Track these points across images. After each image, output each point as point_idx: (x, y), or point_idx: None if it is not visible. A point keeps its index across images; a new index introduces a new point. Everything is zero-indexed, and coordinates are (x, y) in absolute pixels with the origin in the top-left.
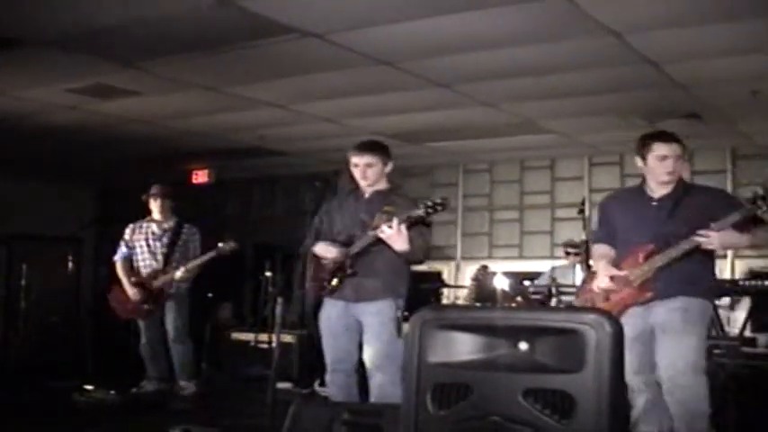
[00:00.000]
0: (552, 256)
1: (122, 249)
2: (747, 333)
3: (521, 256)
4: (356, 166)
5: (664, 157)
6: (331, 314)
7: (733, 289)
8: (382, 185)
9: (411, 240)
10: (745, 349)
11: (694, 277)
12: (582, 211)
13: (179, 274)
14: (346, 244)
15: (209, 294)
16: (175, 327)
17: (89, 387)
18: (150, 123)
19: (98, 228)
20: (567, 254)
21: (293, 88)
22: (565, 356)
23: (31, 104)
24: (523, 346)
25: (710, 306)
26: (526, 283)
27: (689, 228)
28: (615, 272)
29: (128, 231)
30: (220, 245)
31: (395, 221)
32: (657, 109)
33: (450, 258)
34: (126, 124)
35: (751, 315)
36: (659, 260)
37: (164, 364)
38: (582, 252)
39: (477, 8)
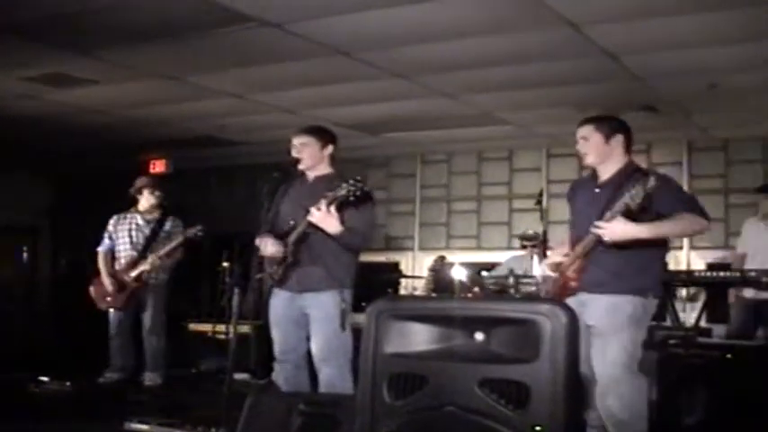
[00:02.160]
0: (510, 247)
1: (105, 241)
2: (703, 324)
3: (478, 247)
4: (294, 147)
5: (577, 141)
6: (277, 305)
7: (689, 280)
8: (324, 170)
9: (343, 222)
10: (701, 340)
11: (628, 270)
12: (539, 203)
13: (150, 261)
14: (289, 231)
15: None
16: (152, 319)
17: (45, 378)
18: (108, 113)
19: (54, 217)
20: (524, 246)
21: (252, 78)
22: (520, 347)
23: None
24: (479, 336)
25: (645, 302)
26: (483, 273)
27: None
28: (554, 258)
29: (111, 222)
30: (188, 230)
31: (322, 203)
32: (615, 101)
33: (407, 249)
34: (83, 113)
35: (706, 306)
36: (578, 250)
37: (130, 355)
38: (539, 243)
39: None
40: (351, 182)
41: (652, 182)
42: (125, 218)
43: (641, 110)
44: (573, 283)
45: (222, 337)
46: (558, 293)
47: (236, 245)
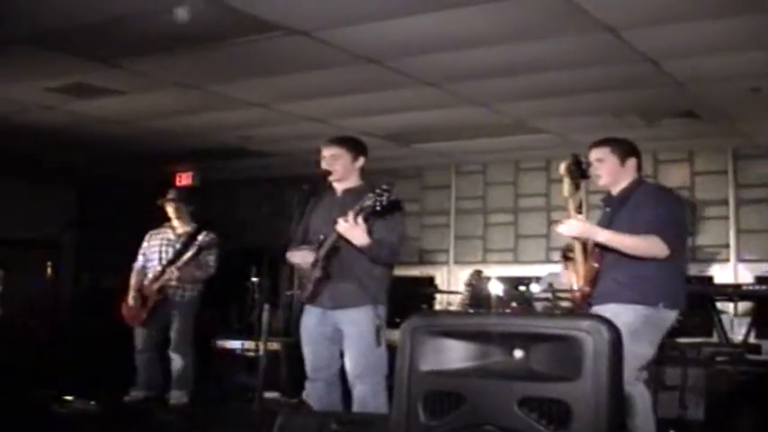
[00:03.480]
0: (548, 261)
1: (139, 257)
2: (752, 340)
3: (516, 261)
4: (324, 158)
5: (589, 162)
6: (309, 321)
7: (737, 294)
8: (354, 182)
9: (371, 234)
10: (750, 356)
11: (630, 279)
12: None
13: (170, 274)
14: (319, 246)
15: None
16: (178, 336)
17: (69, 397)
18: (132, 124)
19: (78, 231)
20: (567, 259)
21: (279, 87)
22: (561, 364)
23: (9, 103)
24: (518, 353)
25: (650, 312)
26: (521, 288)
27: (626, 230)
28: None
29: (146, 239)
30: (199, 238)
31: (349, 213)
32: (654, 108)
33: (442, 263)
34: (107, 124)
35: (755, 321)
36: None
37: (156, 373)
38: None
39: (468, 4)
40: (377, 191)
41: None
42: (158, 233)
43: (682, 116)
44: (578, 294)
45: (252, 354)
46: (579, 306)
47: (264, 259)
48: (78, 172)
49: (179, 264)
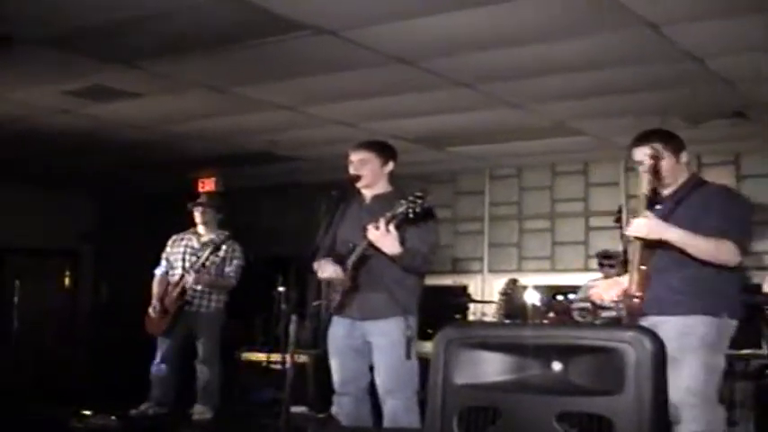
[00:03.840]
0: (587, 269)
1: (161, 263)
2: None
3: (552, 269)
4: (352, 163)
5: (639, 163)
6: (337, 333)
7: None
8: (384, 188)
9: (402, 242)
10: None
11: (695, 289)
12: (619, 220)
13: (188, 280)
14: (347, 255)
15: None
16: (204, 348)
17: (87, 412)
18: (151, 128)
19: (97, 241)
20: (602, 265)
21: (306, 89)
22: (602, 377)
23: (25, 107)
24: (557, 366)
25: (719, 323)
26: (559, 298)
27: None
28: (611, 287)
29: (169, 244)
30: (223, 248)
31: (381, 221)
32: (699, 108)
33: (476, 271)
34: (126, 129)
35: None
36: (634, 262)
37: (168, 388)
38: (618, 264)
39: (503, 1)
40: (410, 198)
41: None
42: (181, 239)
43: (729, 117)
44: (635, 301)
45: (278, 367)
46: (628, 315)
47: (291, 269)
48: (96, 178)
49: (196, 267)
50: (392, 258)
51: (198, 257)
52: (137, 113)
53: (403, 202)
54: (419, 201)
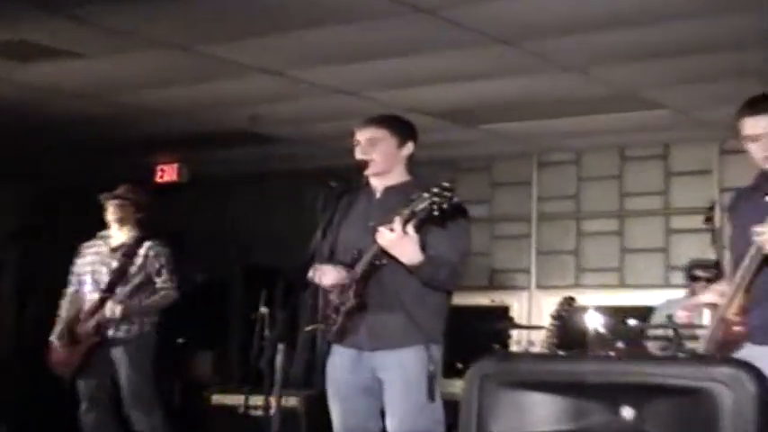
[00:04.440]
0: (667, 284)
1: (70, 281)
2: None
3: (621, 284)
4: (359, 145)
5: (756, 138)
6: (339, 368)
7: None
8: (399, 177)
9: (424, 248)
10: None
11: None
12: (710, 219)
13: (109, 307)
14: (352, 264)
15: (180, 340)
16: (132, 387)
17: None
18: (96, 98)
19: (23, 246)
20: (694, 279)
21: (296, 47)
22: (688, 426)
23: None
24: (628, 412)
25: None
26: (630, 322)
27: None
28: (706, 299)
29: (77, 253)
30: (140, 252)
31: (396, 221)
32: None
33: (520, 287)
34: (61, 99)
35: None
36: (737, 280)
37: None
38: (713, 277)
39: None
40: (434, 190)
41: None
42: (90, 246)
43: None
44: (737, 328)
45: (259, 413)
46: (721, 346)
47: (278, 283)
48: (24, 165)
49: (121, 296)
50: (411, 269)
51: (110, 268)
52: (76, 79)
53: (425, 195)
54: (446, 194)
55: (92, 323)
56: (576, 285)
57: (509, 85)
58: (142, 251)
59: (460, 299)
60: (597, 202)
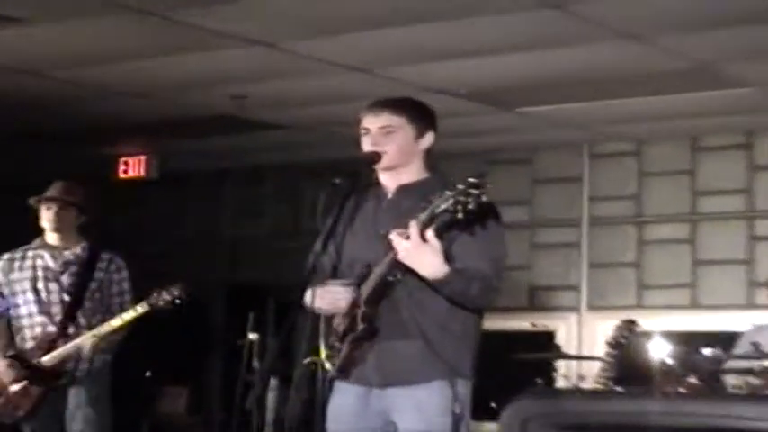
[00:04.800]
0: (751, 305)
1: None
2: None
3: (693, 305)
4: (366, 132)
5: None
6: (344, 407)
7: None
8: (416, 174)
9: (448, 259)
10: None
11: None
12: None
13: (84, 341)
14: (360, 281)
15: (148, 373)
16: (91, 428)
17: None
18: (45, 74)
19: None
20: None
21: (290, 13)
22: None
23: None
24: None
25: None
26: (705, 351)
27: None
28: None
29: (0, 265)
30: (155, 295)
31: (412, 226)
32: None
33: (568, 308)
34: (2, 75)
35: None
36: None
37: None
38: None
39: None
40: (459, 187)
41: None
42: (23, 257)
43: None
44: None
45: None
46: None
47: (268, 304)
48: None
49: (104, 330)
50: (434, 285)
51: (62, 286)
52: (14, 50)
53: (447, 193)
54: (473, 191)
55: (55, 358)
56: (638, 306)
57: (555, 58)
58: (102, 265)
59: (494, 322)
60: (663, 204)
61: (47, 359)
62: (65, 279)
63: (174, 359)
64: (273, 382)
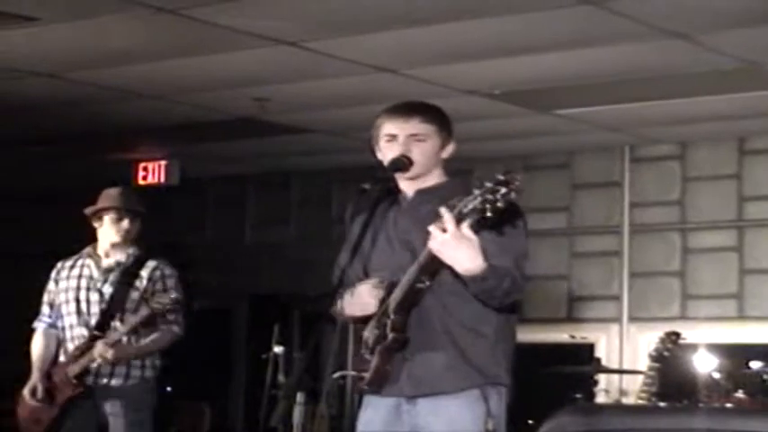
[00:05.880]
0: None
1: (43, 310)
2: None
3: (741, 316)
4: (392, 139)
5: None
6: (373, 422)
7: None
8: (435, 178)
9: (485, 254)
10: None
11: None
12: None
13: (98, 349)
14: (389, 290)
15: (168, 389)
16: None
17: None
18: (53, 76)
19: None
20: None
21: (315, 11)
22: None
23: None
24: None
25: None
26: (753, 365)
27: None
28: None
29: (52, 276)
30: (143, 274)
31: (446, 217)
32: None
33: (608, 320)
34: (5, 76)
35: None
36: None
37: None
38: None
39: None
40: (487, 184)
41: None
42: (72, 267)
43: None
44: None
45: None
46: None
47: (293, 316)
48: None
49: (115, 335)
50: (467, 281)
51: (101, 295)
52: (28, 51)
53: (476, 192)
54: (503, 189)
55: (75, 368)
56: (682, 317)
57: (594, 56)
58: (145, 273)
59: (531, 335)
60: (708, 209)
61: (66, 371)
62: (106, 288)
63: (195, 373)
64: (300, 397)
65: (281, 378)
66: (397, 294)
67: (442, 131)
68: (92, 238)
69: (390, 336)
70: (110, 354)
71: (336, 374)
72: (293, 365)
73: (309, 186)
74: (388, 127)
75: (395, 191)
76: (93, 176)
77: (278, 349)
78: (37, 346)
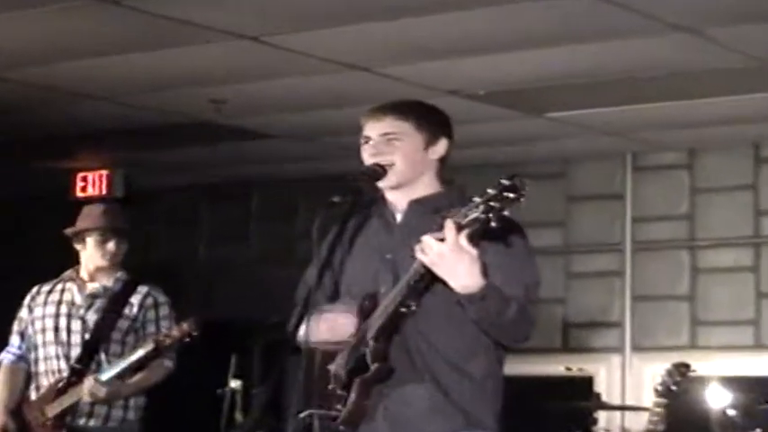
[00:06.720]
0: None
1: (12, 341)
2: None
3: (758, 344)
4: (370, 142)
5: None
6: None
7: None
8: (428, 187)
9: (486, 271)
10: None
11: None
12: None
13: (87, 387)
14: (367, 315)
15: None
16: None
17: None
18: None
19: None
20: None
21: (280, 2)
22: None
23: None
24: None
25: None
26: None
27: None
28: None
29: (26, 302)
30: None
31: (448, 226)
32: None
33: (609, 349)
34: None
35: None
36: None
37: None
38: None
39: None
40: (490, 191)
41: None
42: (50, 291)
43: None
44: None
45: None
46: None
47: (255, 345)
48: None
49: (110, 373)
50: (463, 301)
51: (85, 324)
52: None
53: (476, 200)
54: (510, 195)
55: (55, 407)
56: (692, 346)
57: (591, 53)
58: (136, 300)
59: (523, 366)
60: (721, 225)
61: (49, 411)
62: (89, 316)
63: (137, 414)
64: None
65: (238, 417)
66: (378, 318)
67: (423, 128)
68: (20, 254)
69: (373, 366)
70: (102, 392)
71: (303, 413)
72: (253, 402)
73: (271, 198)
74: (365, 129)
75: (381, 202)
76: (23, 188)
77: (235, 384)
78: (1, 382)
